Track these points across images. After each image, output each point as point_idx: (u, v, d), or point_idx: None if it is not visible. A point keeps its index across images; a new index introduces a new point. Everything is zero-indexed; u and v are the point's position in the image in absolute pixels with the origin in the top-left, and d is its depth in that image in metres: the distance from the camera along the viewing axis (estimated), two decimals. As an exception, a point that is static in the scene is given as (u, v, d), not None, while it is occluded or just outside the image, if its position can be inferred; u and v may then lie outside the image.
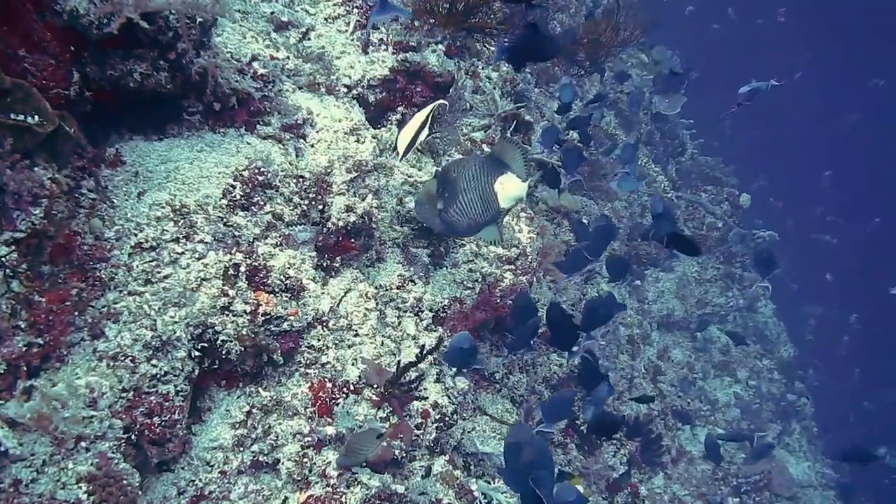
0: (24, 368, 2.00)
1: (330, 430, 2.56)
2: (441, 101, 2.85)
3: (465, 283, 3.52)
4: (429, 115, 2.67)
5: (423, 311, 3.30)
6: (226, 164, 2.64)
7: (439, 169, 3.55)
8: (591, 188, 8.27)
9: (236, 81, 2.70)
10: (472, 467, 3.50)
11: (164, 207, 2.39)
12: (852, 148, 27.70)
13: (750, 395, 9.07)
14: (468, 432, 3.58)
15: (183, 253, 2.35)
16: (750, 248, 10.54)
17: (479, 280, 3.58)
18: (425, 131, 2.69)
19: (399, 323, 3.20)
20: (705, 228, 9.64)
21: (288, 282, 2.57)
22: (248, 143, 2.79)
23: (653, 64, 9.72)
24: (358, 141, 3.03)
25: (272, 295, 2.51)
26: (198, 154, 2.64)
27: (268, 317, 2.45)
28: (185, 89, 2.60)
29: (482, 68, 5.34)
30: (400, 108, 3.68)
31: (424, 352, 2.74)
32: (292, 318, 2.52)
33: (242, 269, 2.42)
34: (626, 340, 7.51)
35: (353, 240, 2.99)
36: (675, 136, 10.63)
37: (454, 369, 3.31)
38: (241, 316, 2.38)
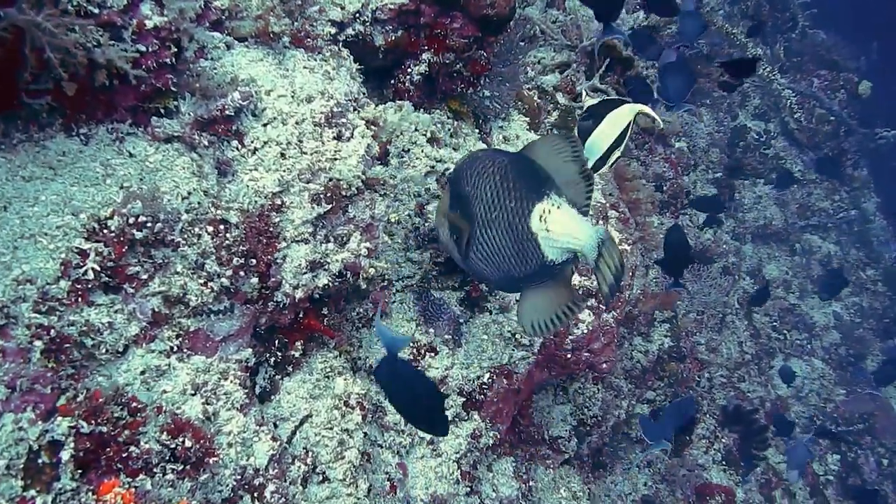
0: None
1: None
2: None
3: (517, 337, 2.28)
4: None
5: (448, 396, 2.11)
6: (78, 204, 1.42)
7: (450, 172, 2.23)
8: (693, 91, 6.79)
9: (95, 46, 1.42)
10: None
11: (-87, 325, 1.21)
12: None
13: (850, 315, 7.88)
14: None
15: (-59, 427, 1.18)
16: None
17: (540, 331, 2.33)
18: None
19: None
20: (815, 121, 8.29)
21: (178, 440, 1.39)
22: (130, 157, 1.54)
23: None
24: (338, 137, 1.74)
25: (140, 476, 1.33)
26: (23, 185, 1.42)
27: (126, 529, 1.29)
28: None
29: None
30: (425, 55, 2.32)
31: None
32: (180, 516, 1.36)
33: (68, 448, 1.24)
34: (720, 272, 6.37)
35: (324, 312, 1.77)
36: (787, 8, 8.83)
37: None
38: (65, 542, 1.23)
